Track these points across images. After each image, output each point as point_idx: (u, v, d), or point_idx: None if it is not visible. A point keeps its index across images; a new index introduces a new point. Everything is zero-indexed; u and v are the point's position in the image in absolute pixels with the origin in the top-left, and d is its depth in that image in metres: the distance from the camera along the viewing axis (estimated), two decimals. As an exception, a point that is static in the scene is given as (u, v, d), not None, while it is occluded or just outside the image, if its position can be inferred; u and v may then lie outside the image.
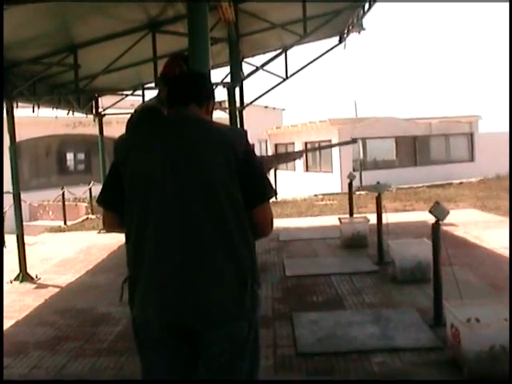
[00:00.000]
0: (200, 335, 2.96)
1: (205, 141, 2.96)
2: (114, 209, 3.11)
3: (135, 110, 5.67)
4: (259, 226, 3.04)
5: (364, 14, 11.80)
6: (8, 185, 10.92)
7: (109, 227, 3.26)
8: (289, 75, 12.89)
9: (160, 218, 2.90)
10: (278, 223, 14.79)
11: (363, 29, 12.81)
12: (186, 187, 2.88)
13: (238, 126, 12.27)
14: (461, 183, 25.40)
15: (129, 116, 5.36)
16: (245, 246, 2.95)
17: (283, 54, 12.44)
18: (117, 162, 3.06)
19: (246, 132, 3.20)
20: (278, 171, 26.97)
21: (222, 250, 2.89)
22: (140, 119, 5.08)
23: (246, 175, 2.95)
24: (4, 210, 17.08)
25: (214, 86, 10.85)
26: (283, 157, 11.78)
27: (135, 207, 2.95)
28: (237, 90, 11.85)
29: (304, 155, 29.42)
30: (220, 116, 13.40)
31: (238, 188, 2.92)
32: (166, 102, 3.24)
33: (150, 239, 2.91)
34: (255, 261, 3.06)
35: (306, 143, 31.68)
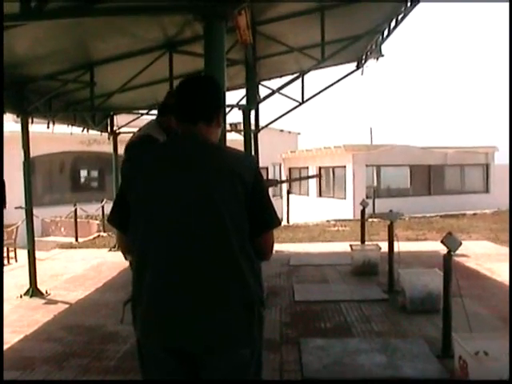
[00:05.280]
0: (201, 360, 2.94)
1: (212, 170, 2.91)
2: (122, 230, 3.10)
3: (131, 139, 5.82)
4: (261, 252, 3.03)
5: (383, 40, 11.79)
6: (21, 200, 10.94)
7: (120, 247, 3.24)
8: (305, 99, 12.88)
9: (162, 244, 2.87)
10: (290, 248, 14.80)
11: (382, 55, 12.79)
12: (192, 216, 2.85)
13: (253, 148, 12.26)
14: (475, 214, 25.24)
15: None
16: (251, 272, 2.93)
17: (300, 78, 12.42)
18: (122, 185, 3.06)
19: (255, 159, 3.15)
20: (290, 196, 26.97)
21: (227, 277, 2.86)
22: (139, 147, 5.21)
23: (254, 205, 2.93)
24: (17, 225, 17.21)
25: (230, 108, 10.93)
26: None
27: (138, 231, 2.93)
28: (252, 112, 11.86)
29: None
30: (235, 138, 13.40)
31: (244, 216, 2.90)
32: (175, 115, 3.14)
33: (152, 264, 2.89)
34: (262, 285, 3.04)
35: (320, 168, 31.71)
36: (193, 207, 2.85)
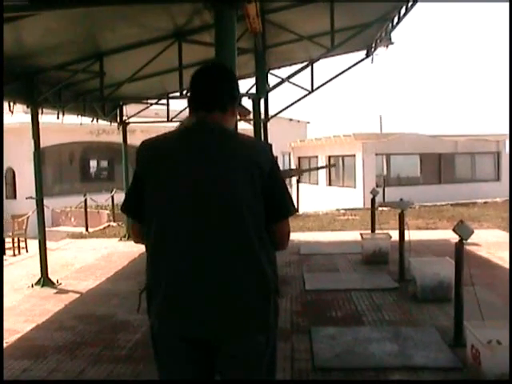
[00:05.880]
0: (217, 348, 2.93)
1: (228, 157, 2.88)
2: (137, 218, 3.08)
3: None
4: (278, 240, 3.02)
5: (393, 27, 11.70)
6: (32, 190, 10.97)
7: (134, 236, 3.19)
8: (314, 88, 12.83)
9: (179, 232, 2.85)
10: (300, 236, 14.78)
11: (391, 43, 12.71)
12: (208, 203, 2.82)
13: (262, 137, 12.22)
14: (485, 203, 25.11)
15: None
16: (267, 260, 2.91)
17: (309, 67, 12.36)
18: (138, 172, 3.02)
19: (270, 146, 3.12)
20: (300, 184, 26.95)
21: (243, 265, 2.84)
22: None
23: (270, 192, 2.90)
24: (27, 215, 17.29)
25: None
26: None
27: (155, 219, 2.90)
28: (262, 101, 11.81)
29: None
30: (244, 127, 13.37)
31: (261, 205, 2.87)
32: (189, 103, 3.13)
33: (168, 252, 2.87)
34: (277, 273, 3.03)
35: (329, 157, 31.66)
36: (208, 196, 2.82)
